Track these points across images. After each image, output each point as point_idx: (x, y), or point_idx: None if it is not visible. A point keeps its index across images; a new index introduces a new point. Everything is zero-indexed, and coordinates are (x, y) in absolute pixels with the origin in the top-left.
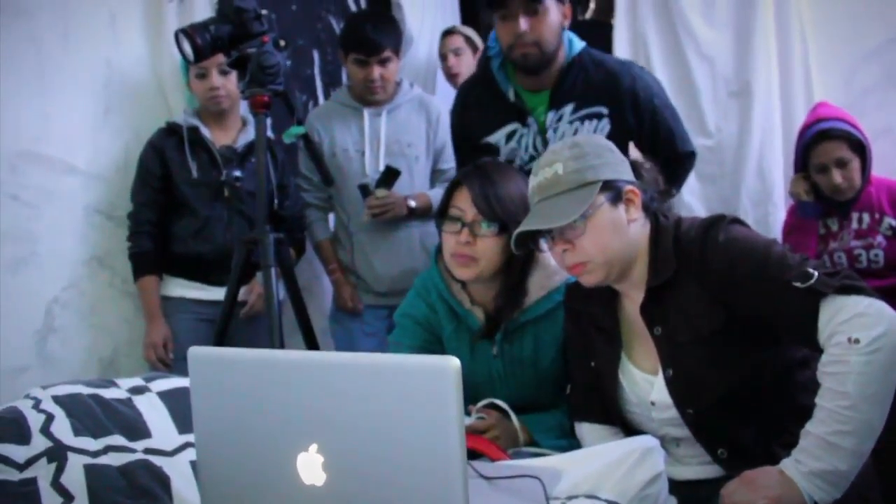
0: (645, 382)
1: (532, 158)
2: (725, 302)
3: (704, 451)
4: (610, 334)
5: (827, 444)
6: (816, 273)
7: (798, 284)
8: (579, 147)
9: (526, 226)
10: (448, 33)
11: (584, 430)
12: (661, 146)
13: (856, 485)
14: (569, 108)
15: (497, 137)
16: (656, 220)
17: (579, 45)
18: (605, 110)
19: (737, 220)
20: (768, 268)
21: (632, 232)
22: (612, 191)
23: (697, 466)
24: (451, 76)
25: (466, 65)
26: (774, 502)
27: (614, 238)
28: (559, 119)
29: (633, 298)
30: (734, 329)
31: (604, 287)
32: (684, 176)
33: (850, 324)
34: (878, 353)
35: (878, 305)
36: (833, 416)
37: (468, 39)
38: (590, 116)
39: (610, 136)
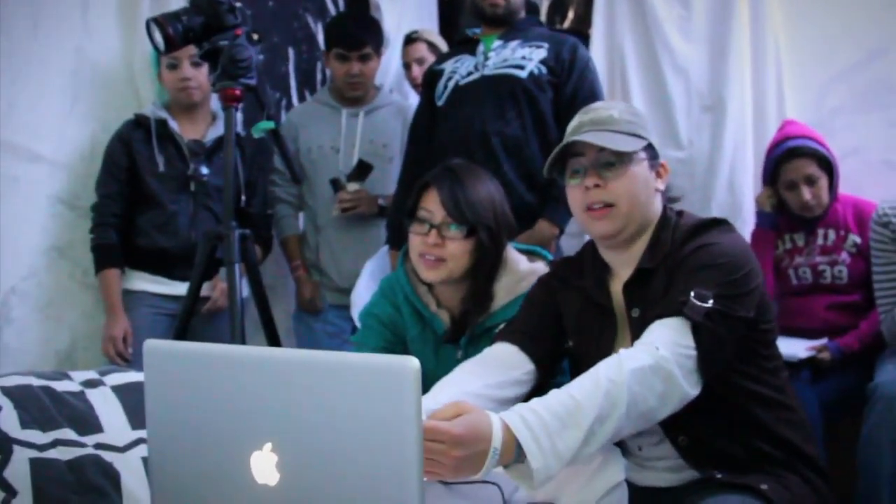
0: None
1: (469, 74)
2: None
3: (667, 444)
4: (605, 310)
5: (576, 407)
6: (710, 304)
7: (687, 298)
8: (633, 108)
9: (580, 137)
10: (411, 41)
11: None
12: (580, 101)
13: None
14: (515, 43)
15: (445, 64)
16: (664, 209)
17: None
18: (545, 44)
19: (732, 229)
20: (700, 276)
21: (654, 200)
22: (653, 156)
23: (663, 473)
24: (415, 86)
25: None
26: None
27: (643, 194)
28: (504, 47)
29: (621, 279)
30: None
31: (598, 264)
32: None
33: (665, 343)
34: (661, 374)
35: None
36: (601, 396)
37: (431, 46)
38: (531, 46)
39: (543, 61)
